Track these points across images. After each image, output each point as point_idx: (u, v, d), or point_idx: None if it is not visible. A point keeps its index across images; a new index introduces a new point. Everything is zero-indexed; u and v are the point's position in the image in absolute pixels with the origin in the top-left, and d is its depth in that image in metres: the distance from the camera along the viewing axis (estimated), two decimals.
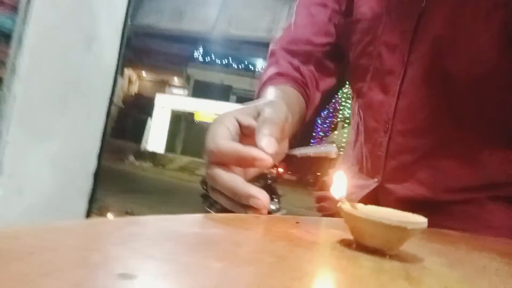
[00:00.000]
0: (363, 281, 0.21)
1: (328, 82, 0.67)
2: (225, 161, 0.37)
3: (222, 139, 0.37)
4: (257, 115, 0.40)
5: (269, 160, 0.36)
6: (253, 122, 0.39)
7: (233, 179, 0.36)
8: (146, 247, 0.20)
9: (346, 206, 0.31)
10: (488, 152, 0.56)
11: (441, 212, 0.56)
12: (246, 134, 0.39)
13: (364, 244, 0.29)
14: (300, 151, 0.40)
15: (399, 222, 0.28)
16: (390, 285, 0.21)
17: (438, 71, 0.56)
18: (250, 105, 0.44)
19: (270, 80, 0.60)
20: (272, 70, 0.62)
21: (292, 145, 0.49)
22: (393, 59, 0.59)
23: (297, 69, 0.63)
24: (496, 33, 0.52)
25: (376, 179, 0.62)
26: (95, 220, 0.23)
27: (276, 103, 0.42)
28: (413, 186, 0.58)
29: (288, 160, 0.45)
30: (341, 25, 0.65)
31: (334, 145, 0.37)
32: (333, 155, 0.38)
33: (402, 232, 0.28)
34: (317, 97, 0.65)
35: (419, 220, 0.30)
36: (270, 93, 0.54)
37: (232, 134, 0.38)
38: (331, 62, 0.67)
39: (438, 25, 0.55)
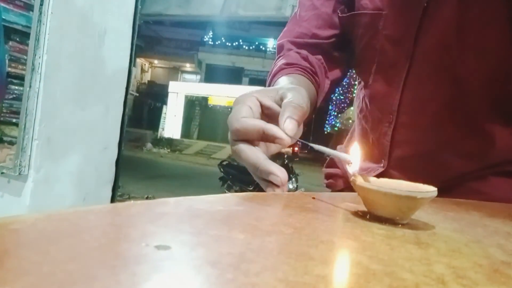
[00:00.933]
0: (374, 246, 0.23)
1: (336, 71, 0.68)
2: (249, 137, 0.39)
3: (245, 117, 0.39)
4: (279, 98, 0.42)
5: (288, 140, 0.38)
6: (274, 103, 0.41)
7: (256, 155, 0.38)
8: (177, 224, 0.23)
9: (359, 179, 0.33)
10: (499, 143, 0.56)
11: (443, 191, 0.57)
12: (266, 115, 0.41)
13: (377, 215, 0.31)
14: (319, 147, 0.42)
15: (408, 192, 0.29)
16: (399, 249, 0.23)
17: (445, 66, 0.55)
18: (271, 88, 0.45)
19: (280, 71, 0.61)
20: (281, 62, 0.63)
21: (304, 131, 0.50)
22: (397, 52, 0.59)
23: (305, 58, 0.64)
24: (505, 25, 0.51)
25: (381, 164, 0.63)
26: (128, 202, 0.26)
27: (298, 88, 0.44)
28: (416, 176, 0.59)
29: (304, 146, 0.46)
30: (345, 17, 0.65)
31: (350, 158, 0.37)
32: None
33: (412, 201, 0.30)
34: (326, 84, 0.66)
35: (429, 189, 0.31)
36: (283, 81, 0.55)
37: (254, 113, 0.40)
38: (337, 52, 0.68)
39: (444, 19, 0.54)
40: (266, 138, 0.38)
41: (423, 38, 0.56)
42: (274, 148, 0.43)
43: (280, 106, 0.41)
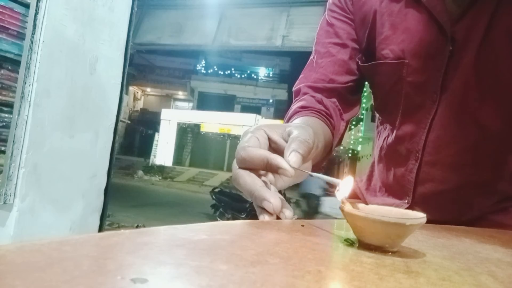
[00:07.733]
0: (363, 277, 0.23)
1: (350, 113, 0.70)
2: (253, 166, 0.39)
3: (252, 147, 0.40)
4: (286, 135, 0.42)
5: (291, 171, 0.38)
6: (281, 139, 0.42)
7: (254, 181, 0.38)
8: (157, 254, 0.22)
9: (347, 206, 0.32)
10: None
11: (466, 225, 0.58)
12: (274, 149, 0.42)
13: (366, 243, 0.30)
14: (314, 173, 0.42)
15: (397, 219, 0.29)
16: (388, 279, 0.23)
17: (467, 109, 0.58)
18: (280, 124, 0.46)
19: (295, 114, 0.63)
20: (296, 105, 0.64)
21: (320, 170, 0.51)
22: (423, 96, 0.61)
23: (320, 101, 0.65)
24: None
25: (406, 200, 0.64)
26: (108, 232, 0.25)
27: (305, 127, 0.45)
28: (439, 213, 0.61)
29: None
30: (366, 66, 0.67)
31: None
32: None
33: (401, 228, 0.29)
34: (342, 126, 0.67)
35: (418, 216, 0.31)
36: (296, 123, 0.56)
37: (262, 145, 0.41)
38: (353, 95, 0.69)
39: (466, 64, 0.57)
40: (270, 167, 0.39)
41: (448, 82, 0.58)
42: (282, 183, 0.44)
43: (286, 142, 0.41)
